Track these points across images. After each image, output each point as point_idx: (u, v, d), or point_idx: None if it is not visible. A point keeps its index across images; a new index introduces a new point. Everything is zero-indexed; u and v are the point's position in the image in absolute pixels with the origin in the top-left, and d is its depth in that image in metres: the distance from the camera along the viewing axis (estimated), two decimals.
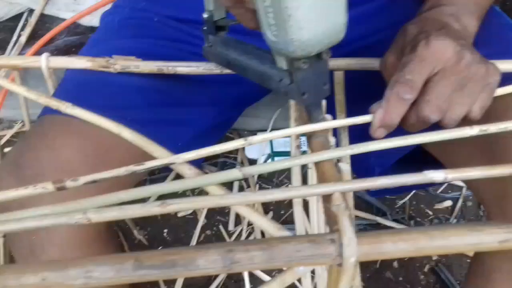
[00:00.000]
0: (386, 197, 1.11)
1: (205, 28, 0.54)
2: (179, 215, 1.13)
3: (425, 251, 0.30)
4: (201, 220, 1.10)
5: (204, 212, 1.11)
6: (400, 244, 0.30)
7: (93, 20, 1.07)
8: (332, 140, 0.42)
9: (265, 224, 0.33)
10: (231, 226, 1.10)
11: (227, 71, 0.57)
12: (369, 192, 0.76)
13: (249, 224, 1.08)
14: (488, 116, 0.44)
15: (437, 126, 0.45)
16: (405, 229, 0.30)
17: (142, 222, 1.12)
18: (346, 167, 0.37)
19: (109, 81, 0.59)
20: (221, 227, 1.10)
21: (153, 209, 0.31)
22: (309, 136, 0.42)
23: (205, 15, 0.52)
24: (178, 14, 0.68)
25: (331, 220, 0.32)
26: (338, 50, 0.62)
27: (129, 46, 0.64)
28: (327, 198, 0.34)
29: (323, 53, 0.39)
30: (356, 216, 1.08)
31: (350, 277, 0.30)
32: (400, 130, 0.64)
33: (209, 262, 0.29)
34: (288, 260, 0.30)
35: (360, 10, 0.64)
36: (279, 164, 0.37)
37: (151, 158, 0.42)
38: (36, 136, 0.57)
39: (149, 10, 0.69)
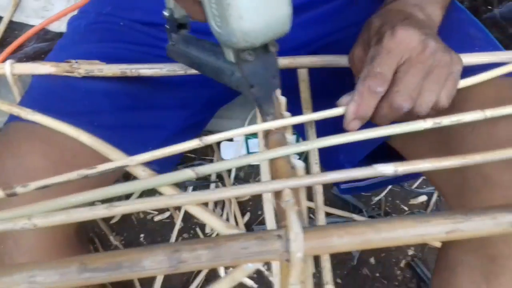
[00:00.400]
0: (362, 194, 1.12)
1: (167, 26, 0.53)
2: (156, 219, 1.12)
3: (373, 243, 0.30)
4: (178, 224, 1.09)
5: (181, 215, 1.10)
6: (347, 238, 0.30)
7: (62, 26, 1.06)
8: (290, 137, 0.42)
9: (215, 222, 0.33)
10: (208, 229, 1.09)
11: (191, 71, 0.57)
12: (340, 190, 0.76)
13: None
14: (447, 110, 0.45)
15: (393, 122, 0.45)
16: (353, 222, 0.31)
17: (118, 227, 1.11)
18: (300, 163, 0.37)
19: (76, 86, 0.59)
20: (198, 229, 1.10)
21: (100, 212, 0.31)
22: (267, 133, 0.42)
23: (166, 13, 0.52)
24: (144, 18, 0.67)
25: (281, 216, 0.32)
26: (300, 51, 0.63)
27: (95, 51, 0.64)
28: (278, 195, 0.34)
29: (269, 46, 0.39)
30: (332, 214, 1.08)
31: (299, 272, 0.30)
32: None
33: (155, 262, 0.29)
34: (235, 258, 0.29)
35: (319, 11, 0.64)
36: (232, 162, 0.37)
37: None
38: (1, 144, 0.56)
39: (114, 14, 0.68)
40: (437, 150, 0.50)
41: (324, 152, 0.69)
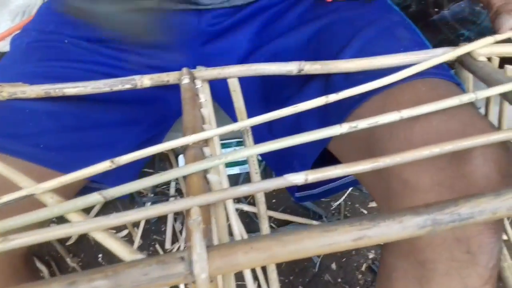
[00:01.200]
0: (321, 200, 1.11)
1: None
2: None
3: (280, 258, 0.29)
4: (137, 241, 1.07)
5: (139, 233, 1.08)
6: (252, 254, 0.29)
7: (8, 46, 1.03)
8: (208, 151, 0.41)
9: (118, 248, 0.32)
10: (168, 245, 1.07)
11: (116, 87, 0.55)
12: (295, 198, 0.75)
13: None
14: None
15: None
16: (258, 237, 0.30)
17: (75, 249, 1.08)
18: (214, 178, 0.36)
19: (20, 107, 0.56)
20: (157, 246, 1.08)
21: None
22: (185, 148, 0.41)
23: None
24: (89, 34, 0.66)
25: (188, 236, 0.31)
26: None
27: (34, 71, 0.62)
28: (188, 213, 0.33)
29: None
30: (293, 222, 1.07)
31: None
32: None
33: None
34: (136, 285, 0.28)
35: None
36: (145, 181, 0.36)
37: (72, 187, 0.39)
38: None
39: (58, 32, 0.66)
40: (365, 155, 0.49)
41: (280, 160, 0.68)
